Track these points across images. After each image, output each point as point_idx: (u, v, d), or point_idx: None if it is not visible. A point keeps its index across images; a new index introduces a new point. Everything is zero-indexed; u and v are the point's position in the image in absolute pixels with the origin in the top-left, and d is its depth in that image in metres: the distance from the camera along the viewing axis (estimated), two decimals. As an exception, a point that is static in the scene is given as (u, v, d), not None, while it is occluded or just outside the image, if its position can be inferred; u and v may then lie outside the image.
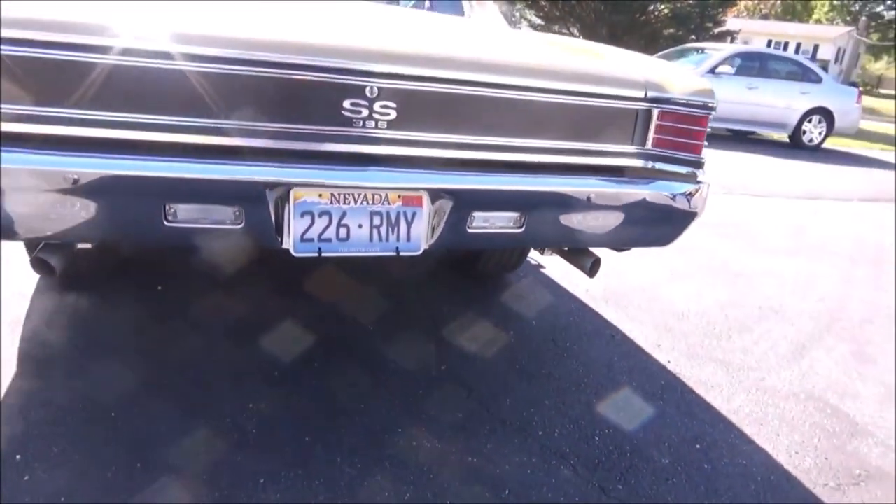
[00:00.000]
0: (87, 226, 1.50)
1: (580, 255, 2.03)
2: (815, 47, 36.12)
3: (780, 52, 13.11)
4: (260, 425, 1.81)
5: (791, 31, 37.16)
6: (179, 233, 1.54)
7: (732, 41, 20.46)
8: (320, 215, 1.61)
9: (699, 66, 10.01)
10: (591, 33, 18.74)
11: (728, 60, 10.11)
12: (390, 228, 1.67)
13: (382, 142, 1.59)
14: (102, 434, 1.70)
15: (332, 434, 1.81)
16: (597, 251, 2.08)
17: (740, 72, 10.05)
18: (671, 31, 20.55)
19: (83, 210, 1.46)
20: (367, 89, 1.53)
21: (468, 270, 2.95)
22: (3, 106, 1.37)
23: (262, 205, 1.55)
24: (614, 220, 1.84)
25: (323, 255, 1.63)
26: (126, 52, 1.40)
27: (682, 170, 1.85)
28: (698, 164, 1.85)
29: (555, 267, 3.12)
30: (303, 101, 1.53)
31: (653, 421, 2.07)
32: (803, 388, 2.39)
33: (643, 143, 1.84)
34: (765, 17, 42.93)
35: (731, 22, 22.50)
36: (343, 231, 1.64)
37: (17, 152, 1.38)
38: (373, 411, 1.93)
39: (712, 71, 9.81)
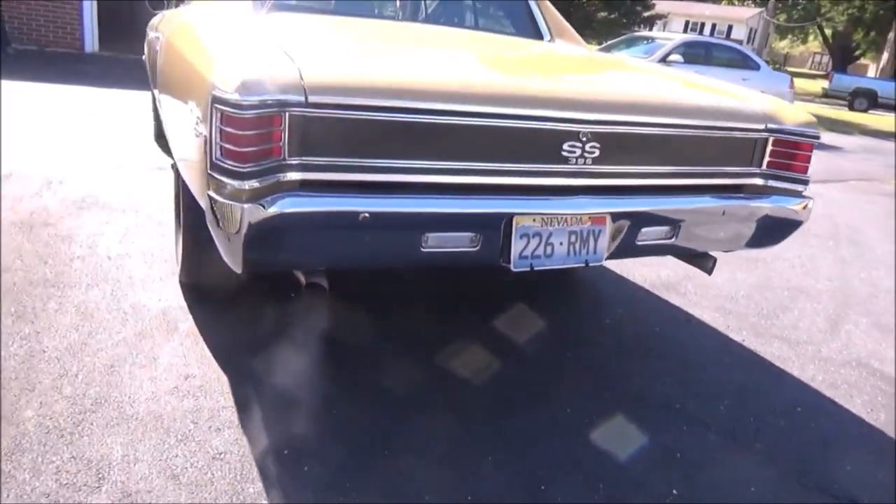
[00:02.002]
0: (363, 254, 1.78)
1: (704, 257, 2.44)
2: (730, 28, 38.16)
3: (723, 41, 13.97)
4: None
5: (707, 12, 39.01)
6: (430, 257, 1.84)
7: (664, 24, 21.38)
8: (533, 236, 1.93)
9: (651, 55, 10.62)
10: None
11: (677, 49, 10.77)
12: (582, 244, 2.02)
13: (586, 175, 1.94)
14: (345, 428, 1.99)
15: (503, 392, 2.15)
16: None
17: (687, 60, 10.74)
18: (604, 14, 21.29)
19: (365, 241, 1.74)
20: (582, 134, 1.87)
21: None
22: (305, 158, 1.63)
23: (496, 231, 1.86)
24: (741, 228, 2.25)
25: (534, 269, 1.97)
26: (403, 110, 1.68)
27: (793, 187, 2.27)
28: (805, 182, 2.28)
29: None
30: (532, 145, 1.85)
31: (757, 391, 2.51)
32: (851, 356, 2.90)
33: (760, 165, 2.26)
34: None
35: (658, 5, 23.48)
36: (549, 249, 1.97)
37: (320, 197, 1.64)
38: (532, 395, 2.29)
39: (664, 60, 10.43)
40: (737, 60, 11.22)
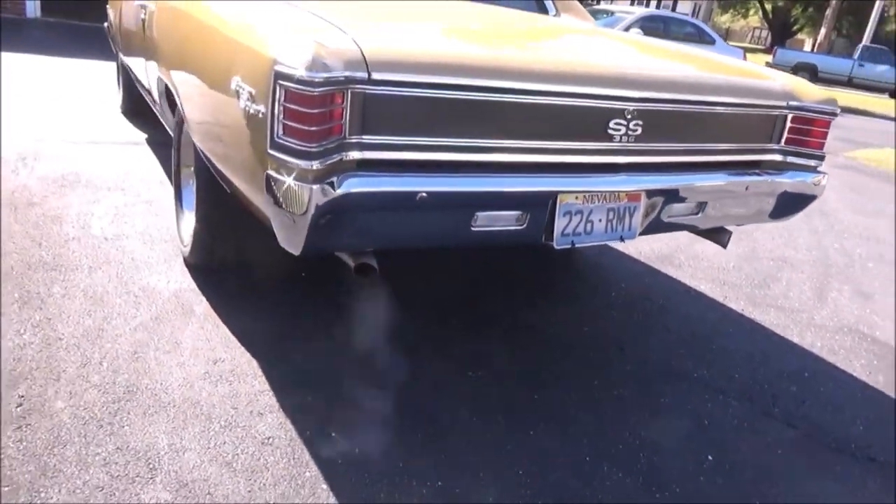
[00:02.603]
0: (416, 234, 1.76)
1: (721, 231, 2.49)
2: (675, 1, 38.69)
3: (680, 15, 14.19)
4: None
5: (651, -15, 39.36)
6: (480, 235, 1.83)
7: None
8: (575, 214, 1.94)
9: (612, 28, 10.72)
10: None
11: (637, 23, 10.90)
12: (619, 221, 2.04)
13: (628, 153, 1.95)
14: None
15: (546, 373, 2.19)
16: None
17: (647, 34, 10.87)
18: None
19: (419, 221, 1.72)
20: (627, 111, 1.88)
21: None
22: (364, 137, 1.59)
23: (543, 209, 1.87)
24: (761, 203, 2.32)
25: (575, 245, 1.98)
26: (462, 87, 1.66)
27: (810, 162, 2.34)
28: (821, 158, 2.35)
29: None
30: (581, 123, 1.85)
31: (764, 358, 2.61)
32: (842, 323, 3.04)
33: (779, 141, 2.32)
34: (626, -30, 44.97)
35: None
36: (589, 226, 1.99)
37: (383, 176, 1.61)
38: (559, 370, 2.32)
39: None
40: (693, 35, 11.45)
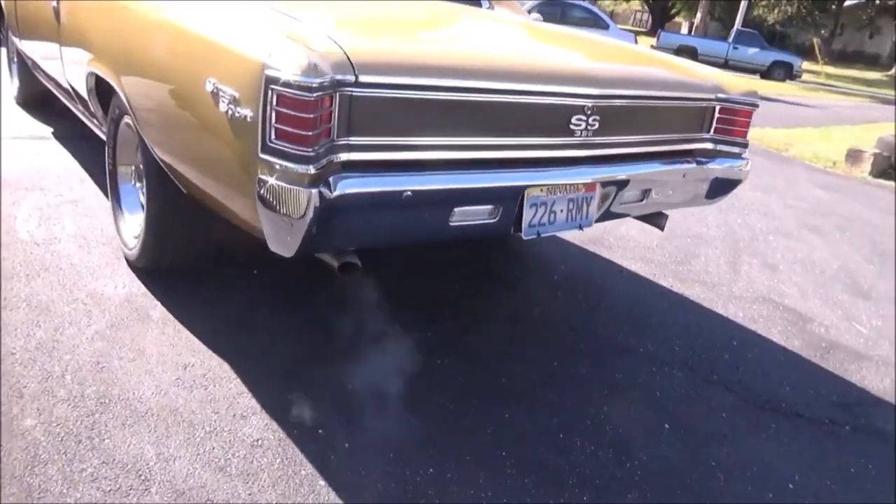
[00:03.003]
0: (398, 232, 1.81)
1: (659, 216, 2.68)
2: (562, -15, 39.90)
3: (577, 1, 14.65)
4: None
5: (541, -32, 40.35)
6: (456, 230, 1.90)
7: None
8: (540, 206, 2.05)
9: (512, 12, 10.95)
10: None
11: (535, 8, 11.18)
12: (577, 210, 2.17)
13: (587, 147, 2.07)
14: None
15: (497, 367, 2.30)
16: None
17: (545, 19, 11.19)
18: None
19: (402, 219, 1.77)
20: (587, 108, 2.00)
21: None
22: (350, 139, 1.62)
23: (513, 202, 1.96)
24: (696, 189, 2.52)
25: (541, 235, 2.09)
26: (443, 88, 1.72)
27: (735, 150, 2.56)
28: (745, 146, 2.57)
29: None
30: (547, 119, 1.95)
31: (698, 330, 2.84)
32: (756, 293, 3.34)
33: (709, 131, 2.52)
34: (516, -47, 45.78)
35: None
36: (552, 216, 2.10)
37: (372, 176, 1.65)
38: (519, 353, 2.45)
39: (525, 18, 10.80)
40: (589, 20, 11.90)
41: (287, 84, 1.45)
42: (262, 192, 1.55)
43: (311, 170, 1.50)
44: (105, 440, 1.72)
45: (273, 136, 1.51)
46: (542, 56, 2.21)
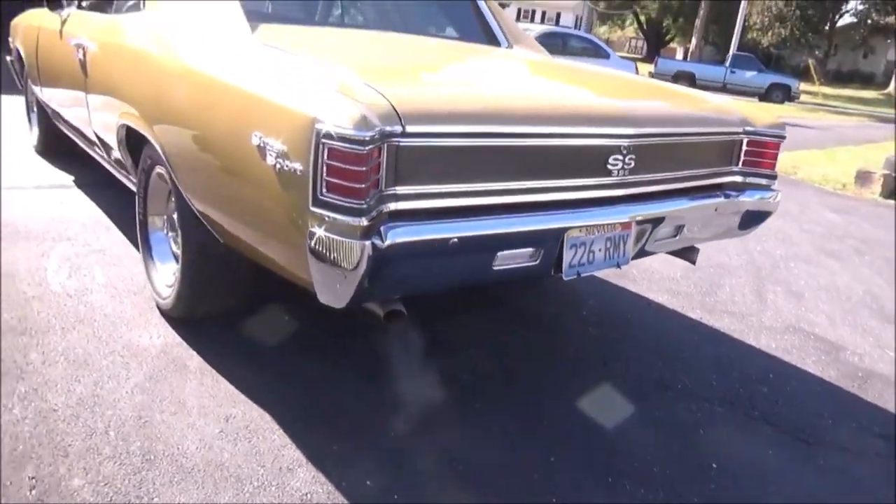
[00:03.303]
0: (444, 278, 1.81)
1: (691, 250, 2.67)
2: (558, 15, 40.44)
3: (577, 31, 14.87)
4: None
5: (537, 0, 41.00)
6: (499, 273, 1.90)
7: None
8: (579, 246, 2.05)
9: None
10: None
11: (539, 40, 11.32)
12: (615, 249, 2.17)
13: (623, 185, 2.08)
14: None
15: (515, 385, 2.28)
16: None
17: (548, 50, 11.34)
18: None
19: (448, 265, 1.76)
20: (623, 147, 2.01)
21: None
22: (397, 188, 1.62)
23: (554, 244, 1.96)
24: (728, 222, 2.52)
25: (580, 276, 2.09)
26: (487, 135, 1.73)
27: (764, 181, 2.57)
28: (773, 177, 2.58)
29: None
30: (587, 160, 1.97)
31: (731, 363, 2.82)
32: (785, 323, 3.32)
33: (738, 164, 2.53)
34: (511, -15, 46.61)
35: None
36: (591, 256, 2.10)
37: (420, 224, 1.65)
38: (557, 394, 2.43)
39: (527, 50, 10.94)
40: (590, 49, 12.05)
41: (338, 138, 1.47)
42: (313, 244, 1.55)
43: (364, 221, 1.51)
44: (154, 499, 1.70)
45: (324, 189, 1.51)
46: (578, 97, 2.24)
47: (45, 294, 2.64)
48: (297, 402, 2.17)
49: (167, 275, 2.54)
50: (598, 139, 1.95)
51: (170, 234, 2.56)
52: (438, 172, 1.69)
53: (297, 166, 1.55)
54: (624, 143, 2.00)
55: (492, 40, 3.23)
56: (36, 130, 4.70)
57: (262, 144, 1.66)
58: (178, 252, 2.43)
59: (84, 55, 3.00)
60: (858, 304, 3.72)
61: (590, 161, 1.97)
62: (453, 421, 2.17)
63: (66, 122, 3.78)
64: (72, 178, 4.23)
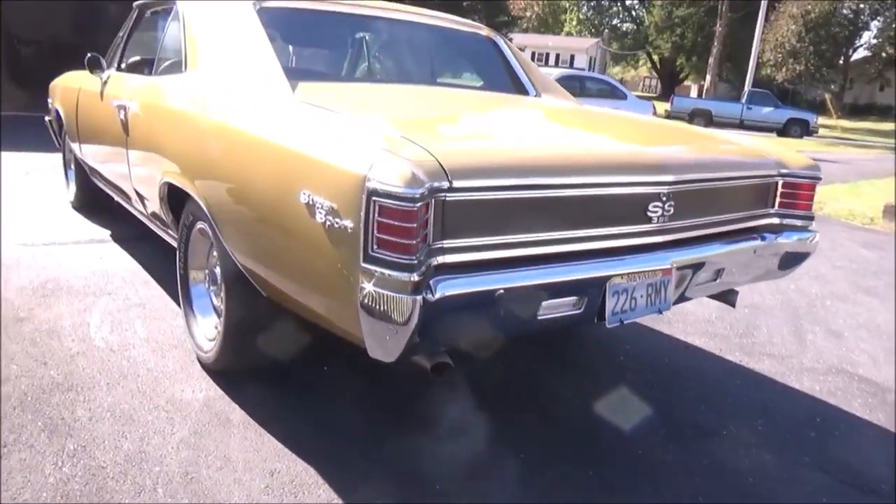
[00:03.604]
0: (490, 328, 1.81)
1: (730, 292, 2.66)
2: (572, 57, 41.05)
3: (594, 74, 15.08)
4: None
5: (550, 43, 41.74)
6: (543, 323, 1.90)
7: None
8: (622, 293, 2.05)
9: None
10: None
11: (559, 82, 11.48)
12: (656, 295, 2.16)
13: (663, 232, 2.09)
14: None
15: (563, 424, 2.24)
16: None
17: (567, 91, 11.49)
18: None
19: (494, 316, 1.77)
20: (663, 194, 2.02)
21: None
22: (444, 242, 1.64)
23: (597, 292, 1.96)
24: (767, 264, 2.51)
25: (623, 323, 2.08)
26: (530, 187, 1.75)
27: (800, 223, 2.56)
28: (811, 218, 2.57)
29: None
30: (627, 208, 1.98)
31: (776, 407, 2.76)
32: (827, 364, 3.26)
33: (773, 206, 2.53)
34: (524, 30, 47.60)
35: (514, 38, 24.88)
36: (633, 302, 2.09)
37: (458, 278, 1.66)
38: (603, 443, 2.39)
39: (545, 93, 11.09)
40: (606, 91, 12.17)
41: (389, 195, 1.50)
42: (363, 299, 1.56)
43: (415, 276, 1.53)
44: (205, 558, 1.69)
45: (375, 246, 1.54)
46: (615, 146, 2.27)
47: (88, 350, 2.68)
48: (341, 455, 2.16)
49: (208, 328, 2.57)
50: (637, 187, 1.97)
51: (211, 287, 2.60)
52: (483, 225, 1.71)
53: (348, 223, 1.58)
54: (663, 189, 2.01)
55: (520, 89, 3.29)
56: (73, 187, 4.84)
57: (310, 202, 1.69)
58: (220, 305, 2.47)
59: (126, 115, 3.10)
60: (900, 343, 3.65)
61: (630, 209, 1.99)
62: (497, 471, 2.14)
63: (104, 178, 3.89)
64: (108, 232, 4.33)
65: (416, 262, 1.53)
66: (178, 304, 3.08)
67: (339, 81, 2.92)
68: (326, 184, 1.66)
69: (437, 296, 1.55)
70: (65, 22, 13.54)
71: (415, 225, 1.51)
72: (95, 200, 4.58)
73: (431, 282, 1.56)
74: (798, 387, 2.98)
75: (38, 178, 5.77)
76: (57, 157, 5.31)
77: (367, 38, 3.29)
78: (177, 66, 2.86)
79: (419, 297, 1.52)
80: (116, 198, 3.89)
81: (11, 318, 2.89)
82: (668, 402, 2.72)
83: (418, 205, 1.50)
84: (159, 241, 3.20)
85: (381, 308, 1.54)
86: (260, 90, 2.29)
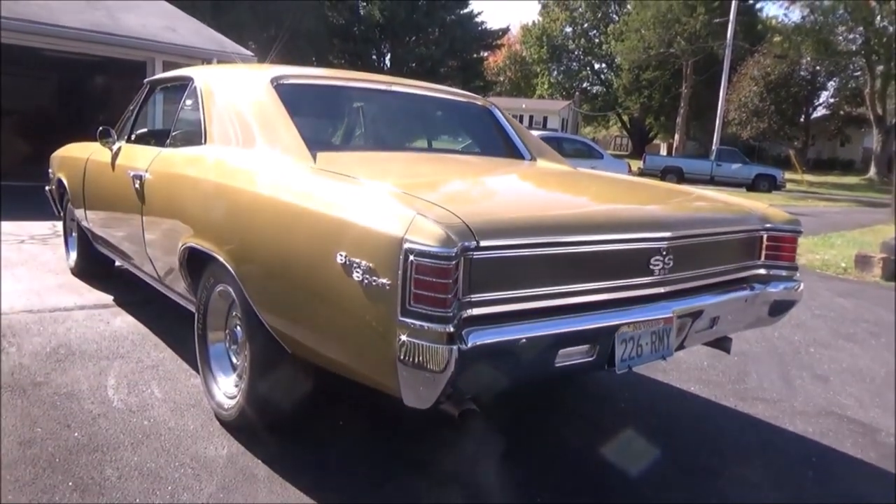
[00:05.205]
0: (511, 376, 1.94)
1: (724, 339, 2.82)
2: (545, 119, 42.30)
3: (571, 135, 15.63)
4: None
5: (524, 105, 43.02)
6: (559, 369, 2.03)
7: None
8: (629, 341, 2.20)
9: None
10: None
11: (535, 145, 11.91)
12: (660, 342, 2.31)
13: (664, 283, 2.26)
14: None
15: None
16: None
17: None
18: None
19: (516, 364, 1.90)
20: (664, 249, 2.20)
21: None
22: (472, 296, 1.79)
23: (608, 340, 2.11)
24: (758, 312, 2.68)
25: (631, 369, 2.22)
26: (546, 244, 1.92)
27: (785, 273, 2.75)
28: (795, 268, 2.77)
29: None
30: (632, 262, 2.15)
31: (774, 449, 2.89)
32: (816, 407, 3.41)
33: (760, 258, 2.72)
34: (498, 94, 49.09)
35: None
36: (639, 349, 2.24)
37: (485, 329, 1.80)
38: (611, 491, 2.49)
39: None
40: (584, 151, 12.62)
41: (425, 255, 1.65)
42: (401, 351, 1.69)
43: (450, 328, 1.67)
44: None
45: (412, 301, 1.68)
46: (618, 206, 2.46)
47: (109, 411, 2.74)
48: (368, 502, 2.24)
49: (228, 387, 2.66)
50: (640, 243, 2.15)
51: (231, 346, 2.70)
52: (505, 279, 1.87)
53: (385, 281, 1.72)
54: (663, 244, 2.19)
55: (516, 153, 3.51)
56: (73, 253, 4.92)
57: (347, 262, 1.84)
58: (239, 364, 2.56)
59: (141, 184, 3.24)
60: (884, 386, 3.82)
61: (635, 262, 2.16)
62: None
63: (110, 244, 4.00)
64: (111, 297, 4.40)
65: (451, 314, 1.67)
66: (190, 365, 3.17)
67: (354, 150, 3.10)
68: (363, 245, 1.81)
69: (469, 345, 1.68)
70: (48, 93, 13.74)
71: (450, 281, 1.66)
72: (96, 266, 4.67)
73: (463, 332, 1.70)
74: (792, 429, 3.12)
75: (37, 246, 5.83)
76: (44, 225, 5.39)
77: (373, 109, 3.50)
78: (195, 138, 3.03)
79: (455, 347, 1.66)
80: (122, 262, 3.98)
81: (29, 382, 2.94)
82: (670, 447, 2.84)
83: (453, 262, 1.65)
84: (165, 305, 3.29)
85: (418, 359, 1.67)
86: (284, 160, 2.46)
